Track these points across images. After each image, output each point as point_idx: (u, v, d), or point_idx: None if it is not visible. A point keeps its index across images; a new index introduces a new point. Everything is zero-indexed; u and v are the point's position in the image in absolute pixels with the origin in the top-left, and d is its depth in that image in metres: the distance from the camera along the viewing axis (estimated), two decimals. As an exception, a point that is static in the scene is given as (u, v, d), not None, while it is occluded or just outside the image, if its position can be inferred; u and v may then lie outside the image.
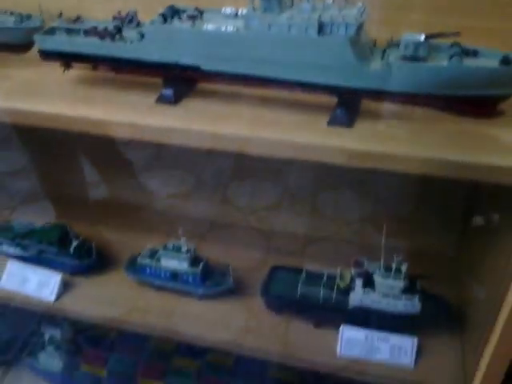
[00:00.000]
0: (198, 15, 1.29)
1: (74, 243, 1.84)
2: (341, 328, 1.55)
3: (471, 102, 1.18)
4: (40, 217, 2.02)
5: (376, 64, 1.17)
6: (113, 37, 1.33)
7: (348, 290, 1.57)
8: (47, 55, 1.40)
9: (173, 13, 1.31)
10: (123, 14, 1.39)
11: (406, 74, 1.14)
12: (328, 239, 1.94)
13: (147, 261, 1.77)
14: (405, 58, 1.13)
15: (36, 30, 1.43)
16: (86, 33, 1.36)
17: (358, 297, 1.55)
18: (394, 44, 1.19)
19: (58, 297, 1.79)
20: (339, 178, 1.81)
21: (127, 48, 1.32)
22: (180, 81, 1.33)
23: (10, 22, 1.50)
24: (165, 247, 1.76)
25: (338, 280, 1.60)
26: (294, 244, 1.94)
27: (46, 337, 2.22)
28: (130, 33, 1.34)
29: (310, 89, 1.22)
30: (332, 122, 1.21)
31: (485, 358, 1.33)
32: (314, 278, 1.64)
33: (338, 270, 1.62)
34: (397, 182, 1.60)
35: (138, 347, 2.13)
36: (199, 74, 1.30)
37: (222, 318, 1.69)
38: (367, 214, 1.88)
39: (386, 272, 1.52)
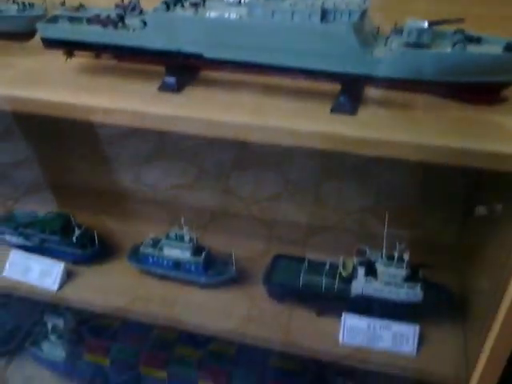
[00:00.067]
0: (200, 3, 1.28)
1: (77, 232, 1.84)
2: (343, 316, 1.56)
3: (474, 89, 1.17)
4: (42, 206, 2.02)
5: (379, 51, 1.16)
6: (115, 25, 1.32)
7: (350, 278, 1.57)
8: (50, 43, 1.40)
9: (175, 0, 1.30)
10: (126, 1, 1.38)
11: (409, 60, 1.13)
12: (330, 228, 1.94)
13: (150, 250, 1.77)
14: (408, 45, 1.13)
15: (39, 18, 1.42)
16: (89, 21, 1.35)
17: (360, 285, 1.55)
18: (397, 31, 1.18)
19: (61, 286, 1.79)
20: (341, 168, 1.81)
21: (130, 36, 1.31)
22: (183, 69, 1.33)
23: (12, 10, 1.50)
24: (167, 236, 1.76)
25: (340, 269, 1.60)
26: (296, 233, 1.94)
27: (49, 326, 2.22)
28: (132, 21, 1.34)
29: (313, 76, 1.21)
30: (335, 110, 1.20)
31: (487, 346, 1.34)
32: (316, 267, 1.64)
33: (341, 259, 1.62)
34: (399, 170, 1.60)
35: (140, 336, 2.14)
36: (202, 62, 1.29)
37: (224, 307, 1.69)
38: (369, 203, 1.88)
39: (388, 261, 1.52)
